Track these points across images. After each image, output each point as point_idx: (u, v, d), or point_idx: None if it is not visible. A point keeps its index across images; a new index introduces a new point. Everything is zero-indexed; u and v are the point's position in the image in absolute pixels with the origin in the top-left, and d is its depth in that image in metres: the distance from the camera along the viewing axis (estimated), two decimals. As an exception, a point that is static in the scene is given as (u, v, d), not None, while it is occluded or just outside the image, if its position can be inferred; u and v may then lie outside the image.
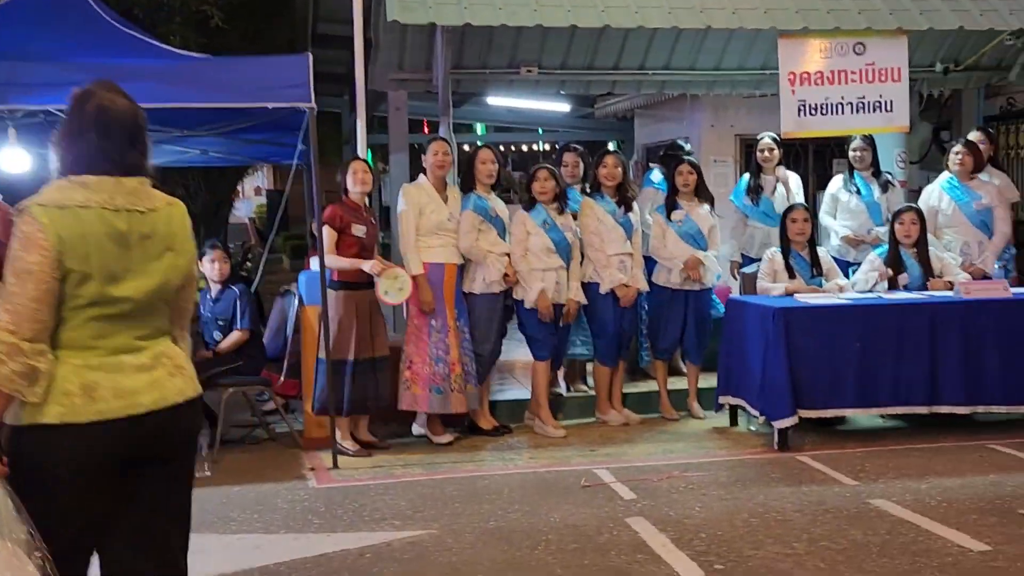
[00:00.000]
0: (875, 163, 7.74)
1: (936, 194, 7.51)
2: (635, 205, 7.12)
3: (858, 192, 7.68)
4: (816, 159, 10.22)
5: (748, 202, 7.71)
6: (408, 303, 6.59)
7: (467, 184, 6.84)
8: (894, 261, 6.92)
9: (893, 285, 6.82)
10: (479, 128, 17.15)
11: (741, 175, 8.11)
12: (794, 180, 7.84)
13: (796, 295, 6.64)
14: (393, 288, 6.28)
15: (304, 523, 5.07)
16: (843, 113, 7.49)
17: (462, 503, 5.30)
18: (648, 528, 4.79)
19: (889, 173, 7.97)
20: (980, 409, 6.49)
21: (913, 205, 7.17)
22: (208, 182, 19.77)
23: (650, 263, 7.18)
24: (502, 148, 17.32)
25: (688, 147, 8.02)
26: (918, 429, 6.60)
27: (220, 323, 6.65)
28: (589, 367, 7.63)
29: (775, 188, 7.68)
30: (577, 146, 7.77)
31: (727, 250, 7.67)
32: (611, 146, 13.66)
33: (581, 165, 7.50)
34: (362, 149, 7.16)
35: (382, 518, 5.09)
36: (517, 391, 7.51)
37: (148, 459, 2.72)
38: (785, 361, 6.16)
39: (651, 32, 7.97)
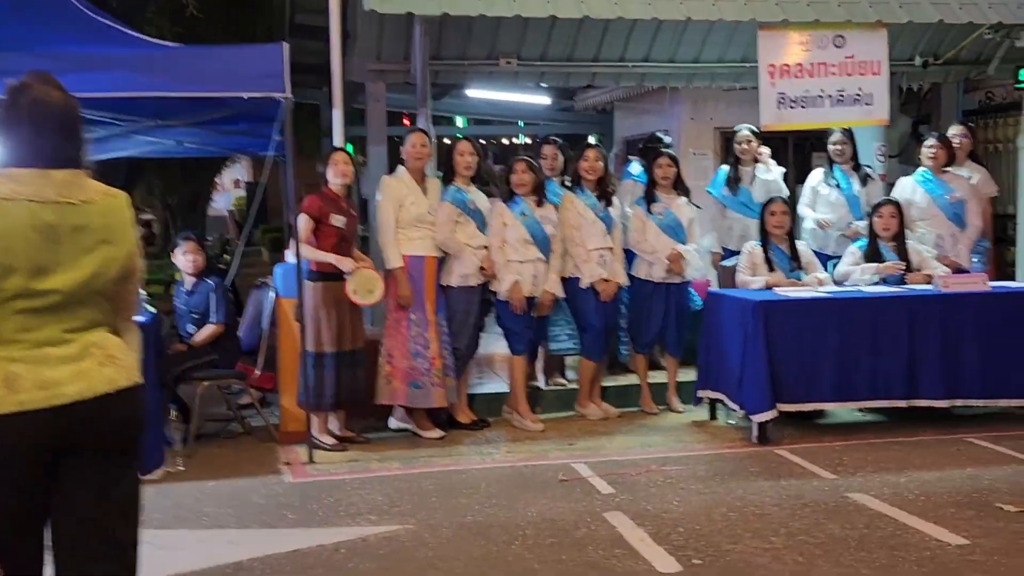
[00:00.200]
0: (855, 157, 7.73)
1: (910, 187, 7.52)
2: (615, 199, 7.08)
3: (838, 186, 7.67)
4: (796, 152, 10.20)
5: (727, 192, 7.69)
6: (388, 296, 6.53)
7: (446, 176, 6.78)
8: (872, 254, 6.91)
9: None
10: (460, 121, 17.08)
11: (720, 168, 8.08)
12: (775, 168, 7.82)
13: (775, 288, 6.62)
14: (363, 288, 6.22)
15: (279, 518, 5.01)
16: (822, 106, 7.48)
17: (439, 497, 5.25)
18: (626, 522, 4.76)
19: (868, 167, 7.96)
20: (958, 403, 6.49)
21: (892, 198, 7.17)
22: (185, 174, 19.64)
23: (629, 256, 7.14)
24: (483, 142, 17.27)
25: (668, 139, 7.98)
26: (897, 423, 6.60)
27: (195, 316, 6.57)
28: (568, 360, 7.61)
29: (753, 179, 7.66)
30: (556, 138, 7.72)
31: (708, 242, 7.65)
32: (591, 139, 13.60)
33: (560, 157, 7.46)
34: (339, 140, 7.08)
35: (358, 513, 5.03)
36: (495, 385, 7.46)
37: (80, 449, 2.69)
38: (764, 355, 6.14)
39: (631, 24, 7.93)
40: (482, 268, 6.65)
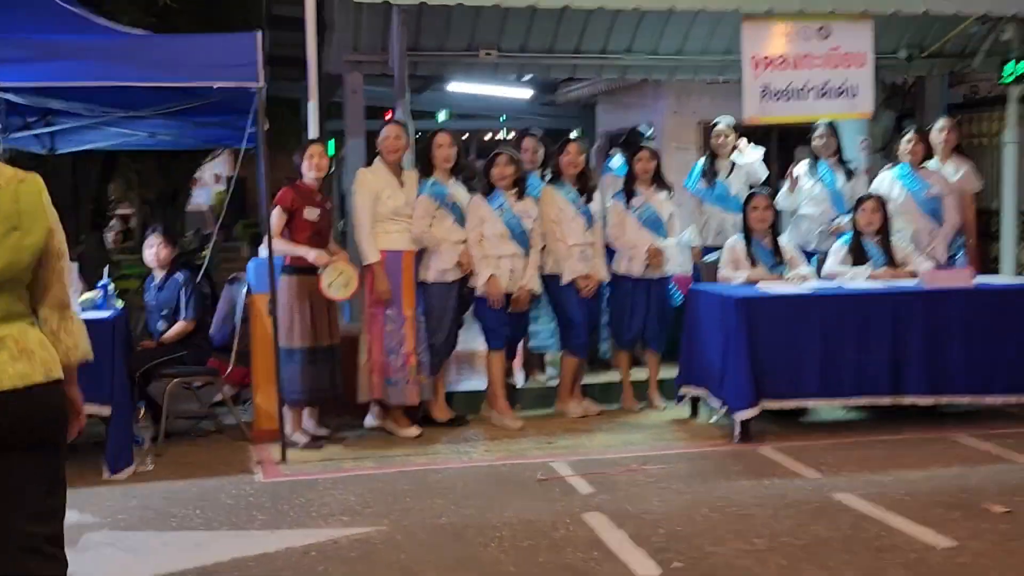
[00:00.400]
0: (839, 150, 7.64)
1: (887, 182, 7.42)
2: (596, 194, 6.96)
3: (822, 180, 7.57)
4: (779, 146, 10.10)
5: (703, 186, 7.57)
6: (365, 290, 6.39)
7: (424, 169, 6.64)
8: (856, 250, 6.81)
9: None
10: (442, 115, 16.92)
11: (696, 162, 7.97)
12: (752, 151, 7.71)
13: (758, 284, 6.51)
14: (338, 282, 6.08)
15: (248, 519, 4.86)
16: (807, 98, 7.34)
17: (414, 498, 5.11)
18: (605, 524, 4.63)
19: (853, 161, 7.86)
20: (944, 400, 6.39)
21: (875, 193, 7.06)
22: (163, 169, 19.42)
23: (609, 251, 7.01)
24: (466, 136, 17.13)
25: (648, 133, 7.85)
26: (881, 420, 6.50)
27: (164, 312, 6.41)
28: (548, 357, 7.48)
29: (731, 172, 7.55)
30: (536, 131, 7.59)
31: (688, 236, 7.52)
32: (574, 134, 13.48)
33: (541, 150, 7.34)
34: (314, 132, 6.93)
35: (330, 514, 4.89)
36: (475, 381, 7.32)
37: None
38: (746, 351, 6.03)
39: (613, 14, 7.80)
40: (460, 263, 6.52)
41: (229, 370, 6.53)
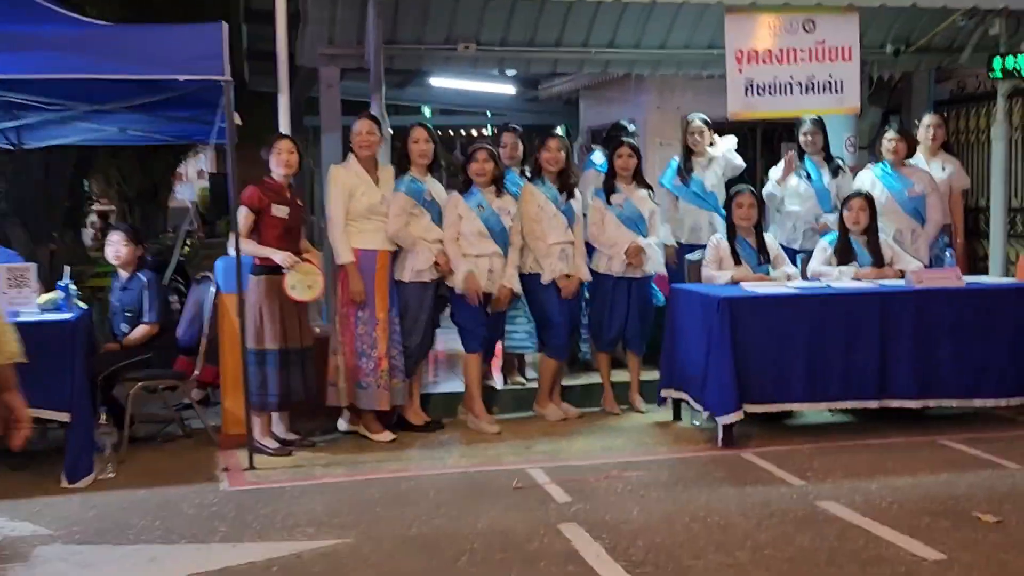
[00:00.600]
0: (826, 147, 7.48)
1: (869, 181, 7.26)
2: (577, 192, 6.77)
3: (808, 177, 7.41)
4: (764, 142, 9.93)
5: (678, 183, 7.40)
6: (340, 290, 6.20)
7: (401, 165, 6.44)
8: (843, 249, 6.65)
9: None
10: (426, 111, 16.73)
11: (672, 159, 7.78)
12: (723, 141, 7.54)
13: (742, 284, 6.34)
14: (302, 284, 5.88)
15: (209, 531, 4.65)
16: (792, 93, 7.17)
17: (383, 507, 4.92)
18: (582, 535, 4.44)
19: (840, 158, 7.70)
20: (932, 403, 6.23)
21: (863, 191, 6.89)
22: (143, 164, 19.16)
23: (588, 249, 6.82)
24: (451, 132, 16.93)
25: (632, 128, 7.66)
26: (868, 423, 6.34)
27: (127, 314, 6.18)
28: (528, 358, 7.30)
29: (708, 165, 7.37)
30: (516, 126, 7.40)
31: (663, 234, 7.34)
32: (559, 130, 13.29)
33: (520, 146, 7.16)
34: (285, 128, 6.73)
35: (295, 525, 4.69)
36: (453, 384, 7.13)
37: None
38: (730, 353, 5.85)
39: (594, 7, 7.61)
40: (436, 264, 6.32)
41: (197, 371, 6.33)
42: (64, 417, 5.34)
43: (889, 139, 7.24)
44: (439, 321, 6.69)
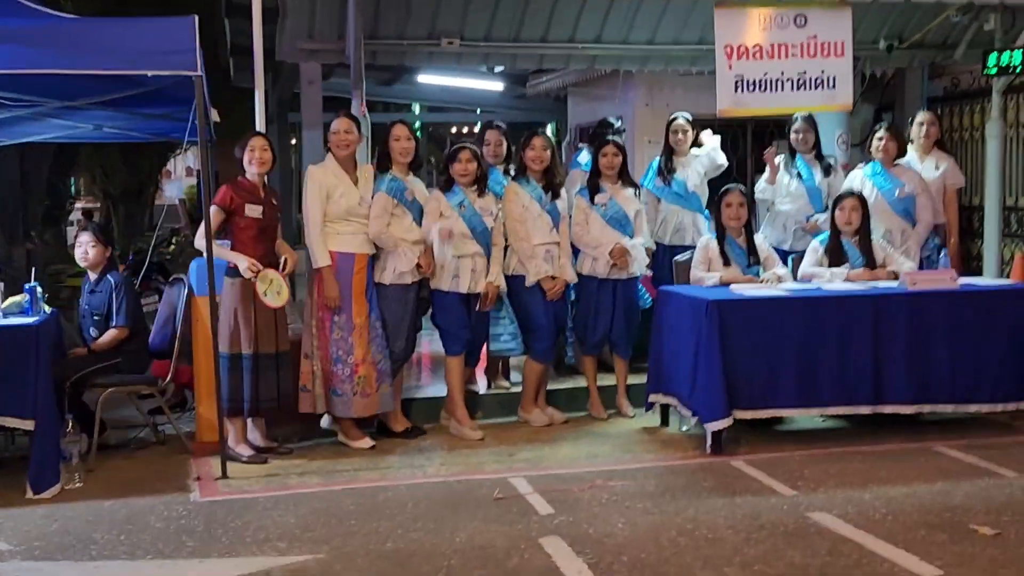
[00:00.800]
0: (817, 145, 7.31)
1: (858, 181, 7.10)
2: (563, 191, 6.59)
3: (799, 175, 7.24)
4: (755, 140, 9.76)
5: (660, 183, 7.22)
6: (315, 293, 6.00)
7: (382, 163, 6.25)
8: (835, 250, 6.48)
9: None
10: (416, 108, 16.55)
11: (653, 159, 7.60)
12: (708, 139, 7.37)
13: (732, 286, 6.17)
14: (271, 291, 5.69)
15: (176, 546, 4.45)
16: (783, 90, 6.99)
17: (359, 520, 4.73)
18: (563, 550, 4.26)
19: (832, 157, 7.54)
20: (926, 408, 6.07)
21: (855, 191, 6.72)
22: (127, 163, 18.93)
23: (573, 250, 6.64)
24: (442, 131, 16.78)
25: (617, 124, 7.48)
26: (860, 429, 6.17)
27: (96, 317, 5.96)
28: (514, 361, 7.12)
29: (689, 167, 7.20)
30: (500, 124, 7.21)
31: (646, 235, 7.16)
32: (549, 128, 13.13)
33: (504, 144, 6.97)
34: (261, 124, 6.53)
35: (266, 539, 4.49)
36: (435, 388, 6.94)
37: None
38: (719, 358, 5.68)
39: (581, 1, 7.42)
40: (419, 265, 6.14)
41: (170, 375, 6.12)
42: (28, 425, 5.14)
43: (879, 138, 7.09)
44: (421, 324, 6.50)
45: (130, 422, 6.53)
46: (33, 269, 5.77)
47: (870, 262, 6.45)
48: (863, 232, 6.49)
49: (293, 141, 14.74)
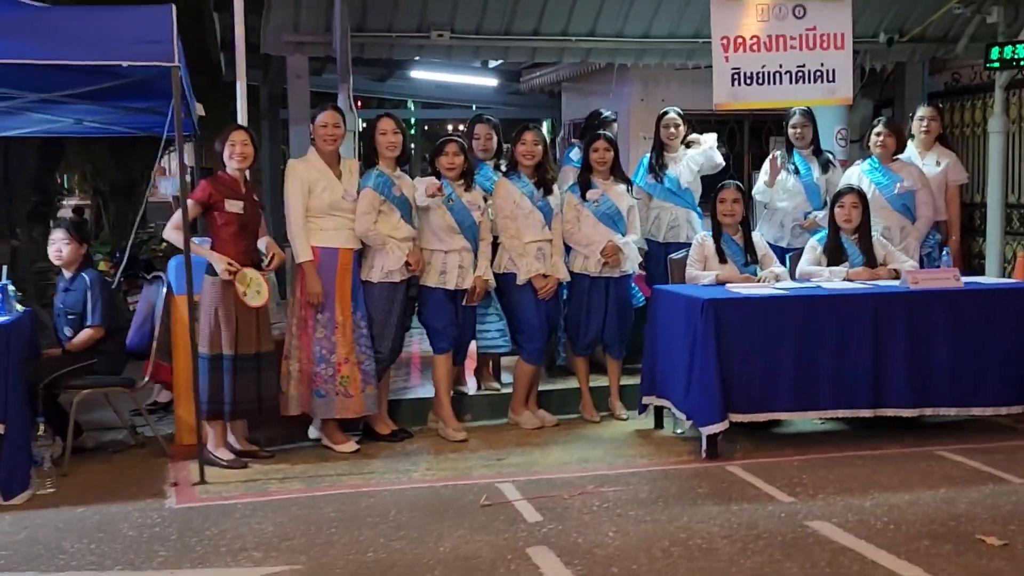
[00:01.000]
0: (815, 140, 7.14)
1: (856, 177, 6.92)
2: (555, 187, 6.41)
3: (796, 171, 7.06)
4: (752, 136, 9.57)
5: (651, 180, 7.03)
6: (298, 290, 5.82)
7: (368, 159, 6.07)
8: (834, 248, 6.31)
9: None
10: (411, 105, 16.37)
11: (644, 155, 7.42)
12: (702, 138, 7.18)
13: (728, 285, 5.98)
14: (251, 291, 5.52)
15: (148, 556, 4.26)
16: (781, 83, 6.78)
17: (339, 528, 4.54)
18: (551, 561, 4.08)
19: (830, 152, 7.36)
20: (928, 411, 5.89)
21: (854, 187, 6.54)
22: (117, 159, 18.67)
23: (564, 248, 6.45)
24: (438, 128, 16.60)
25: (608, 114, 7.28)
26: (860, 433, 6.00)
27: (71, 317, 5.76)
28: (504, 361, 6.93)
29: (681, 163, 7.01)
30: (490, 117, 7.03)
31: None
32: (545, 125, 12.95)
33: (495, 138, 6.79)
34: (243, 118, 6.34)
35: (241, 549, 4.31)
36: (422, 389, 6.76)
37: None
38: (715, 359, 5.50)
39: (574, -7, 7.26)
40: (408, 263, 5.95)
41: (148, 373, 5.93)
42: (-2, 428, 4.95)
43: (877, 134, 6.92)
44: (410, 324, 6.32)
45: (109, 424, 6.34)
46: (4, 267, 5.56)
47: (870, 260, 6.27)
48: (863, 230, 6.31)
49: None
